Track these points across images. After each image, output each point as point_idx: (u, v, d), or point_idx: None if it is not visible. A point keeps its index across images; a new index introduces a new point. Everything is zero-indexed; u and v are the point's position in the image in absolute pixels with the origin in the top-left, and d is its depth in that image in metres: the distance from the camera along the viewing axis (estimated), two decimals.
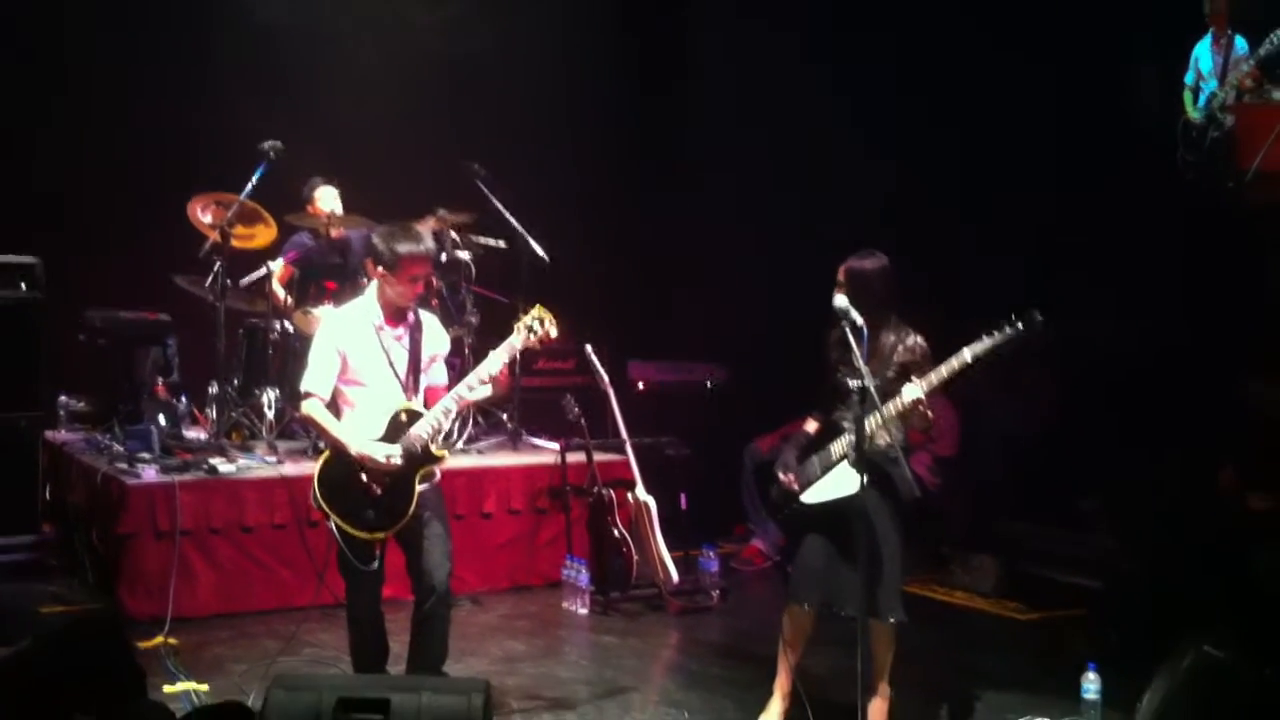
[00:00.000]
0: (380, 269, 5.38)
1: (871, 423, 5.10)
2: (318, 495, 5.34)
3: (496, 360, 5.38)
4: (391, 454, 5.28)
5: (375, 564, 5.39)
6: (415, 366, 5.47)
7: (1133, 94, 8.78)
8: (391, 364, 5.42)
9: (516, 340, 5.39)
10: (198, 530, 7.24)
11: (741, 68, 10.41)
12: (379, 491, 5.30)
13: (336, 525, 5.31)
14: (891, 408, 5.16)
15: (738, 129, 10.47)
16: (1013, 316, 5.10)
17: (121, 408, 8.56)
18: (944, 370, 5.17)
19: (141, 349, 9.01)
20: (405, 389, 5.43)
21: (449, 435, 8.51)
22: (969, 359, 5.12)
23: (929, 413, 5.27)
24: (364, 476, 5.30)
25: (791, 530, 5.69)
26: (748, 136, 10.35)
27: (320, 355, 5.44)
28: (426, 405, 5.47)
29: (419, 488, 5.34)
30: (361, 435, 5.34)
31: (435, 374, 5.61)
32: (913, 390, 5.15)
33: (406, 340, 5.46)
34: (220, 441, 8.02)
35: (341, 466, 5.35)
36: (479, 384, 5.39)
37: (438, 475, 5.51)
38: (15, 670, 3.92)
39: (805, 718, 5.48)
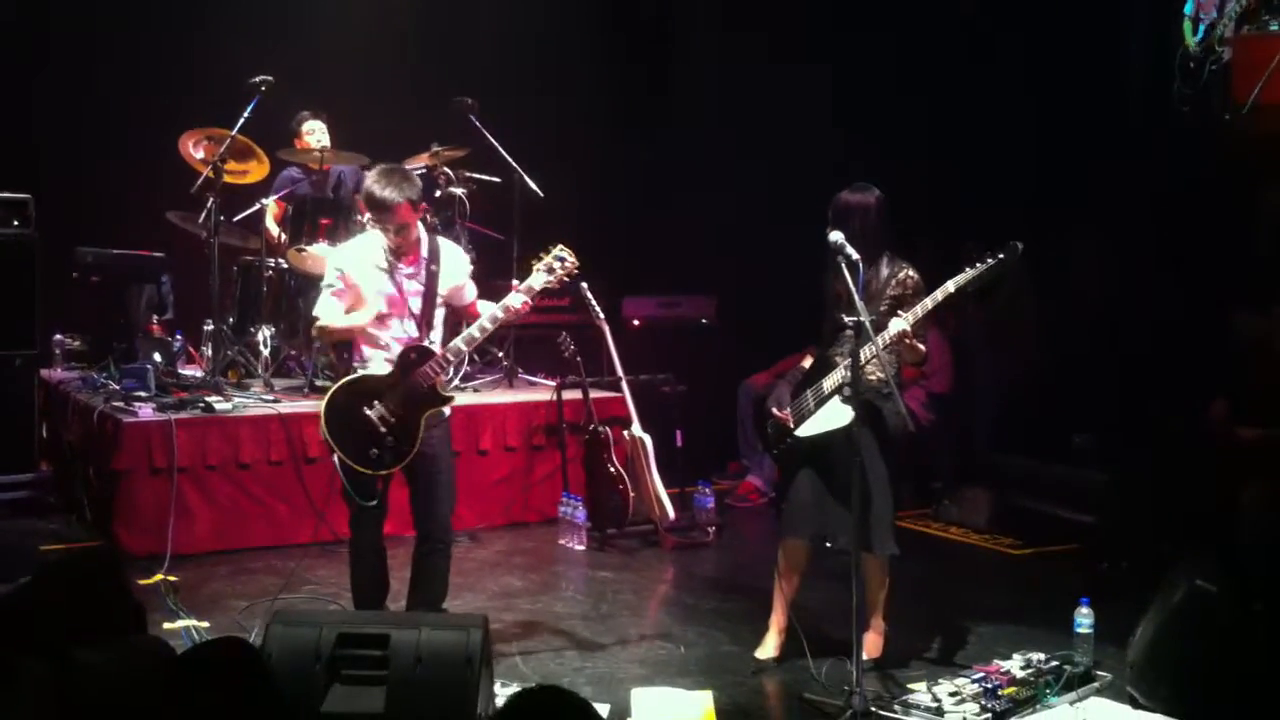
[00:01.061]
0: (368, 214, 5.40)
1: (863, 357, 5.11)
2: (324, 427, 5.33)
3: (512, 302, 5.36)
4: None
5: (375, 500, 5.40)
6: (430, 301, 5.42)
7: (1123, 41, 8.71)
8: (406, 299, 5.40)
9: (535, 282, 5.36)
10: (194, 467, 7.25)
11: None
12: (383, 429, 5.27)
13: (340, 459, 5.31)
14: (879, 340, 5.17)
15: (733, 63, 10.40)
16: (995, 249, 5.15)
17: (116, 346, 8.56)
18: (928, 302, 5.20)
19: (135, 287, 9.01)
20: (419, 325, 5.40)
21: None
22: (952, 289, 5.17)
23: (920, 346, 5.29)
24: (368, 413, 5.28)
25: (786, 465, 5.70)
26: (743, 69, 10.28)
27: (330, 286, 5.44)
28: (468, 321, 5.47)
29: (426, 427, 5.34)
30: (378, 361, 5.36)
31: (465, 296, 5.59)
32: (898, 323, 5.17)
33: (422, 275, 5.42)
34: (216, 379, 8.02)
35: (348, 400, 5.31)
36: (491, 325, 5.38)
37: (446, 413, 5.51)
38: (14, 606, 3.93)
39: (801, 652, 5.52)
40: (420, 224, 5.45)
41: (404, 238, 5.33)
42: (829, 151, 8.85)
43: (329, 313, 5.43)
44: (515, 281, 5.49)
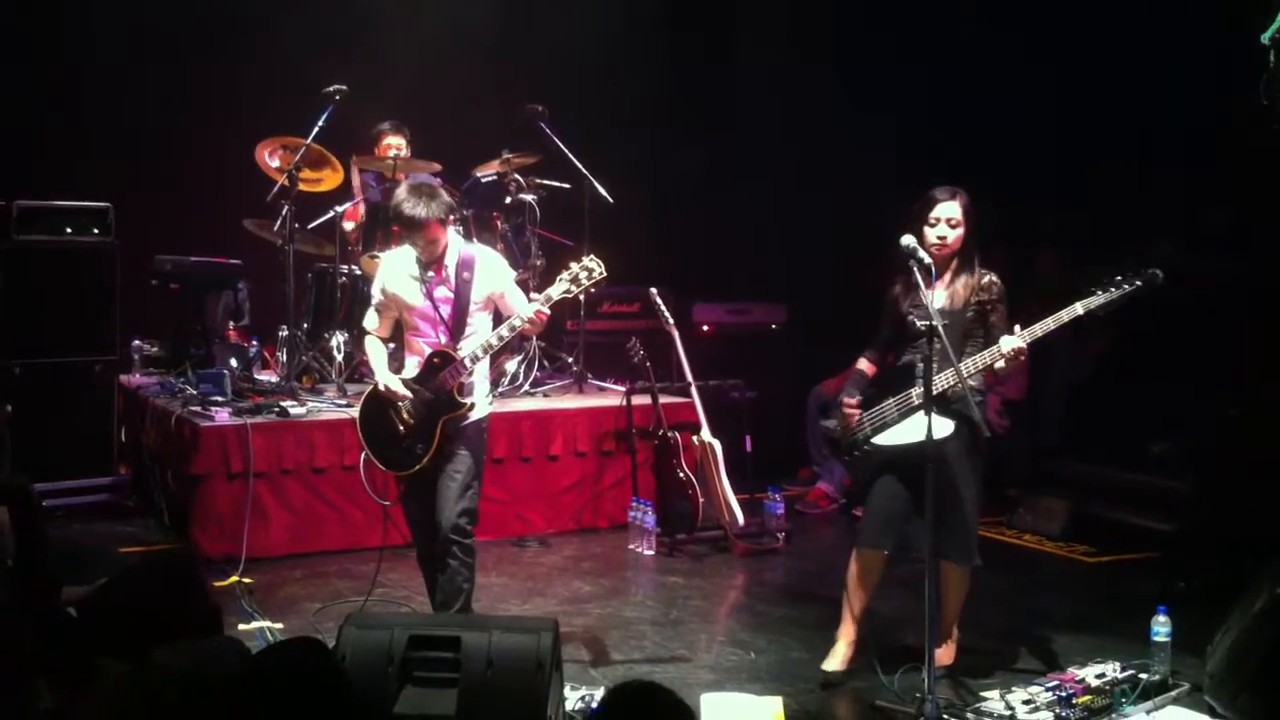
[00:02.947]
0: (398, 226, 5.55)
1: (966, 367, 5.03)
2: (358, 426, 5.62)
3: (524, 311, 5.40)
4: (404, 393, 5.44)
5: (392, 501, 5.65)
6: (460, 309, 5.49)
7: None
8: (436, 308, 5.48)
9: (554, 291, 5.37)
10: (269, 471, 7.35)
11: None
12: (403, 431, 5.44)
13: (364, 459, 5.59)
14: (988, 356, 5.09)
15: (796, 70, 10.36)
16: (1130, 273, 4.99)
17: (194, 352, 8.70)
18: (1051, 322, 5.04)
19: (212, 293, 9.17)
20: (449, 333, 5.48)
21: (515, 379, 8.56)
22: (1081, 312, 5.01)
23: (1020, 358, 5.16)
24: (392, 415, 5.46)
25: (861, 472, 5.57)
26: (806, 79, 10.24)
27: (374, 296, 5.68)
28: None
29: (444, 431, 5.42)
30: (387, 372, 5.56)
31: (509, 304, 5.60)
32: (1012, 341, 5.04)
33: (452, 283, 5.49)
34: (291, 385, 8.12)
35: (377, 402, 5.54)
36: (509, 333, 5.45)
37: (473, 418, 5.52)
38: (95, 608, 4.01)
39: (870, 664, 5.48)
40: (454, 233, 5.54)
41: (432, 251, 5.43)
42: (898, 154, 8.79)
43: (370, 323, 5.73)
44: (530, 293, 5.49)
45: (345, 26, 9.61)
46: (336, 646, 4.25)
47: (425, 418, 5.42)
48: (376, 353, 5.67)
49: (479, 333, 5.53)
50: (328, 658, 3.58)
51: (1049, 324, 5.05)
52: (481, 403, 5.57)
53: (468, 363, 5.41)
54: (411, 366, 5.56)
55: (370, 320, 5.71)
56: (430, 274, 5.47)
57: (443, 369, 5.41)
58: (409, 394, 5.42)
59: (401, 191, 5.42)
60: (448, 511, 5.45)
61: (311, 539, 7.42)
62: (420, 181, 5.58)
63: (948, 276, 5.30)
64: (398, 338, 5.83)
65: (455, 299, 5.48)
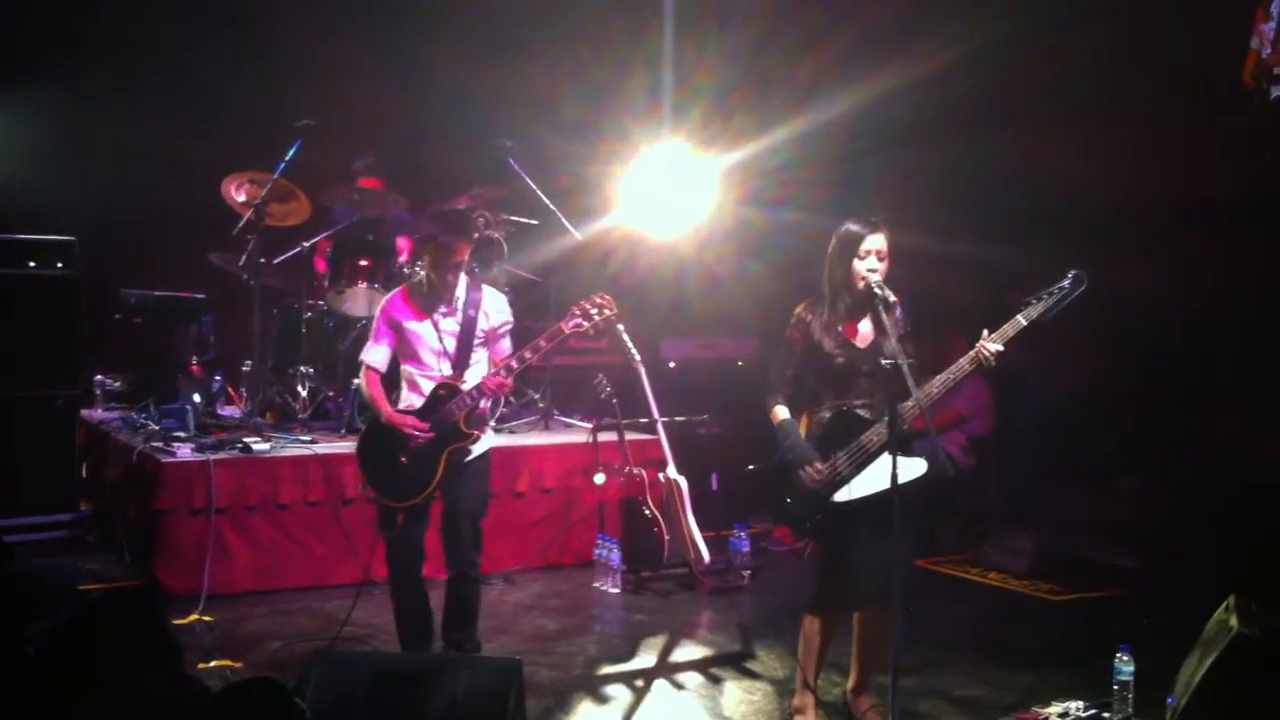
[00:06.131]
0: (425, 251, 5.56)
1: (916, 401, 4.88)
2: (359, 458, 5.61)
3: (536, 345, 5.46)
4: (419, 427, 5.43)
5: (394, 531, 5.57)
6: (465, 344, 5.55)
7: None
8: (442, 341, 5.53)
9: (565, 325, 5.47)
10: (233, 508, 7.28)
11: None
12: (405, 462, 5.45)
13: (362, 487, 5.64)
14: (966, 363, 4.95)
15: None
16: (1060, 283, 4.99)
17: (157, 386, 8.63)
18: (999, 338, 4.94)
19: (177, 327, 9.13)
20: (454, 366, 5.54)
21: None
22: (1024, 323, 4.98)
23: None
24: (395, 446, 5.47)
25: (822, 534, 5.16)
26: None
27: (375, 330, 5.66)
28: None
29: (447, 463, 5.44)
30: (387, 404, 5.56)
31: (499, 347, 5.70)
32: (994, 344, 4.91)
33: (459, 317, 5.55)
34: (255, 420, 8.07)
35: (380, 434, 5.54)
36: (518, 365, 5.49)
37: (475, 452, 5.57)
38: (55, 646, 3.96)
39: (837, 696, 5.47)
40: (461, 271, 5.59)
41: (454, 276, 5.47)
42: (866, 183, 8.82)
43: (371, 357, 5.66)
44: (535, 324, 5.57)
45: (315, 59, 9.59)
46: (300, 685, 4.22)
47: (430, 449, 5.45)
48: (377, 385, 5.65)
49: (480, 365, 5.60)
50: (285, 698, 3.55)
51: (1008, 331, 4.95)
52: (486, 435, 5.62)
53: (475, 394, 5.45)
54: (408, 397, 5.58)
55: (371, 353, 5.66)
56: (442, 307, 5.53)
57: (448, 401, 5.45)
58: (415, 425, 5.43)
59: (431, 219, 5.54)
60: (464, 545, 5.55)
61: (276, 575, 7.36)
62: (443, 209, 5.67)
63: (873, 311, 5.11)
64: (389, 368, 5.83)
65: (461, 333, 5.55)
